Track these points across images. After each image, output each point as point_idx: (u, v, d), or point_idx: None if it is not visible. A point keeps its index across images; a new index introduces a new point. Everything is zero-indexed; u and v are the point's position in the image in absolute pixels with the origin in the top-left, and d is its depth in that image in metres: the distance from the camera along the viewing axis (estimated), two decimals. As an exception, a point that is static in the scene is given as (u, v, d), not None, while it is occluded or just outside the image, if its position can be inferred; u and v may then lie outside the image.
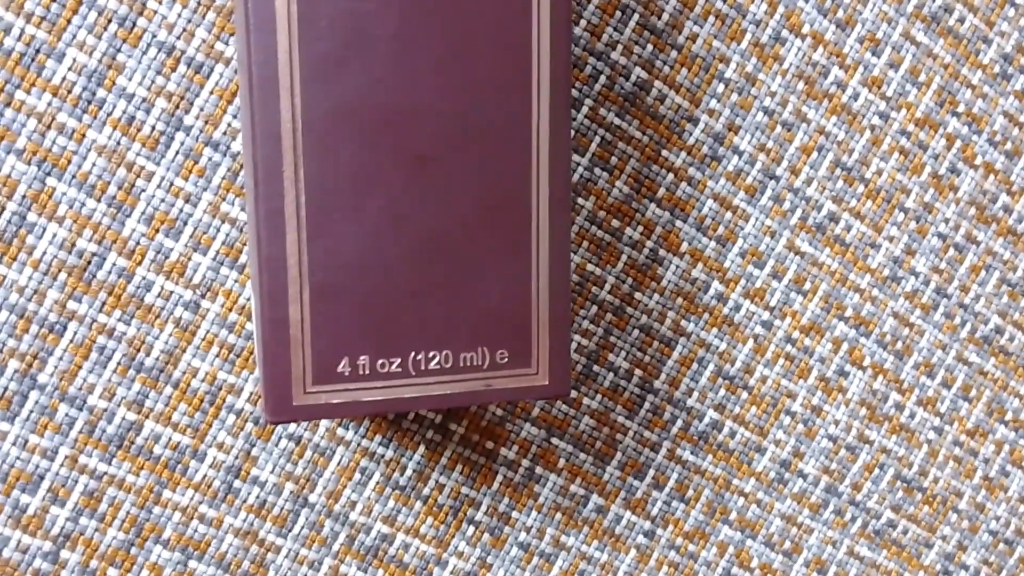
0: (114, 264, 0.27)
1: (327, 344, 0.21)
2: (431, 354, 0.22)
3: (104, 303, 0.27)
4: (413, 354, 0.22)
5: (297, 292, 0.21)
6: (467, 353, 0.22)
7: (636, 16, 0.30)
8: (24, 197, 0.26)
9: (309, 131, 0.20)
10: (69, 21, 0.26)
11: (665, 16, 0.30)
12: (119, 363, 0.27)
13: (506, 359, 0.22)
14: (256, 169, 0.20)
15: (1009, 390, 0.35)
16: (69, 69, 0.26)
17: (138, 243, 0.27)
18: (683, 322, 0.32)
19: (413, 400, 0.22)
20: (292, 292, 0.21)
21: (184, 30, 0.27)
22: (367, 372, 0.22)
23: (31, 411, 0.27)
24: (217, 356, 0.28)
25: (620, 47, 0.30)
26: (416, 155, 0.21)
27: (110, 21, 0.26)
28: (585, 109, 0.30)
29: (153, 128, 0.27)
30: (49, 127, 0.26)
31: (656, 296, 0.31)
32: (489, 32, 0.21)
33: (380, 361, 0.22)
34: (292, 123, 0.20)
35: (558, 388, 0.23)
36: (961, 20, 0.33)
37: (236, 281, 0.28)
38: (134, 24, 0.26)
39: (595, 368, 0.31)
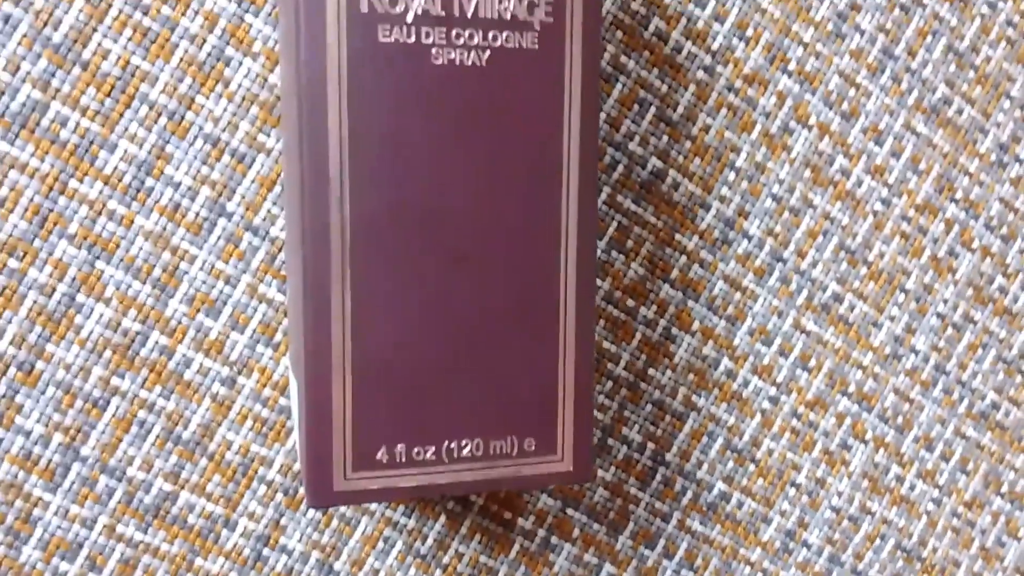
0: (156, 342, 0.28)
1: (367, 433, 0.23)
2: (463, 442, 0.23)
3: (145, 379, 0.28)
4: (447, 442, 0.23)
5: (340, 383, 0.22)
6: (497, 441, 0.24)
7: (653, 109, 0.32)
8: (74, 279, 0.27)
9: (356, 232, 0.22)
10: (121, 115, 0.27)
11: (680, 109, 0.32)
12: (158, 436, 0.28)
13: (533, 447, 0.24)
14: (305, 267, 0.22)
15: (1005, 463, 0.37)
16: (120, 159, 0.27)
17: (179, 322, 0.28)
18: (694, 397, 0.33)
19: (446, 486, 0.23)
20: (335, 383, 0.22)
21: (229, 123, 0.28)
22: (403, 460, 0.23)
23: (73, 482, 0.28)
24: (251, 430, 0.29)
25: (637, 138, 0.32)
26: (453, 253, 0.22)
27: (160, 115, 0.28)
28: (604, 196, 0.31)
29: (197, 214, 0.28)
30: (100, 213, 0.27)
31: (669, 372, 0.33)
32: (522, 139, 0.23)
33: (416, 449, 0.23)
34: (340, 225, 0.22)
35: (582, 475, 0.24)
36: (959, 112, 0.35)
37: (271, 358, 0.29)
38: (183, 117, 0.28)
39: (610, 441, 0.32)
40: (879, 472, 0.35)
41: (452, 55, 0.22)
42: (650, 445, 0.33)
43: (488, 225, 0.23)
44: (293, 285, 0.25)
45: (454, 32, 0.22)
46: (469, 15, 0.22)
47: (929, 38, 0.34)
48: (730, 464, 0.34)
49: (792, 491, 0.34)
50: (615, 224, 0.32)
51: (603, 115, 0.31)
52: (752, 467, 0.34)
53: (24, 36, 0.26)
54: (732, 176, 0.33)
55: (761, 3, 0.32)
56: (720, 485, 0.34)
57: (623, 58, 0.31)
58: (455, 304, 0.23)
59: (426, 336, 0.23)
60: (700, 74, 0.32)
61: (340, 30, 0.21)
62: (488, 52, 0.22)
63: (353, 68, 0.21)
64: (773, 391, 0.34)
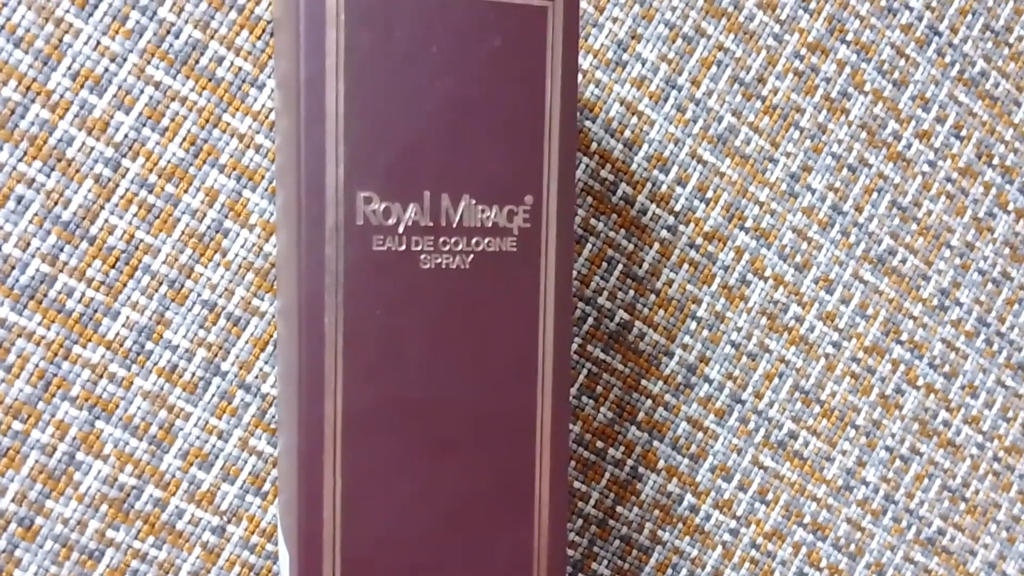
0: (151, 495, 0.30)
1: None
2: None
3: (140, 531, 0.30)
4: None
5: (330, 561, 0.24)
6: None
7: (620, 266, 0.34)
8: (75, 439, 0.29)
9: (348, 424, 0.24)
10: (125, 285, 0.29)
11: (645, 265, 0.34)
12: (150, 585, 0.30)
13: None
14: (299, 456, 0.23)
15: (951, 587, 0.39)
16: (122, 325, 0.29)
17: (173, 475, 0.30)
18: (659, 532, 0.35)
19: None
20: (326, 561, 0.24)
21: (226, 289, 0.30)
22: None
23: (67, 631, 0.29)
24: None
25: (606, 292, 0.34)
26: (440, 440, 0.24)
27: (161, 283, 0.29)
28: (575, 346, 0.34)
29: (193, 374, 0.30)
30: (101, 376, 0.29)
31: (636, 509, 0.35)
32: (503, 333, 0.25)
33: None
34: (334, 418, 0.24)
35: None
36: (904, 261, 0.37)
37: (259, 507, 0.31)
38: (182, 285, 0.30)
39: (580, 577, 0.34)
40: (833, 598, 0.37)
41: (439, 260, 0.24)
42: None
43: (471, 411, 0.25)
44: (285, 451, 0.27)
45: (441, 239, 0.24)
46: (454, 224, 0.24)
47: (875, 195, 0.37)
48: (693, 595, 0.36)
49: (752, 619, 0.36)
50: (585, 371, 0.34)
51: (575, 272, 0.34)
52: (714, 597, 0.36)
53: (35, 215, 0.28)
54: (694, 325, 0.35)
55: (720, 167, 0.35)
56: (684, 615, 0.36)
57: (593, 220, 0.34)
58: (441, 483, 0.25)
59: (414, 519, 0.24)
60: (664, 233, 0.35)
61: (338, 242, 0.23)
62: (471, 256, 0.24)
63: (349, 275, 0.23)
64: (733, 524, 0.36)
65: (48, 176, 0.28)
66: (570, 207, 0.25)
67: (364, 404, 0.24)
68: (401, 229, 0.24)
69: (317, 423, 0.23)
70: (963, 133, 0.38)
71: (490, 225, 0.25)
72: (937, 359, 0.38)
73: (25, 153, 0.28)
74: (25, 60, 0.28)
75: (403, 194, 0.24)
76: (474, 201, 0.24)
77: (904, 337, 0.38)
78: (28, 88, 0.28)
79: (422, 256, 0.24)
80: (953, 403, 0.39)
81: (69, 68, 0.28)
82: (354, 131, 0.23)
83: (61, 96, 0.28)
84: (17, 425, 0.28)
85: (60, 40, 0.28)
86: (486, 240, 0.25)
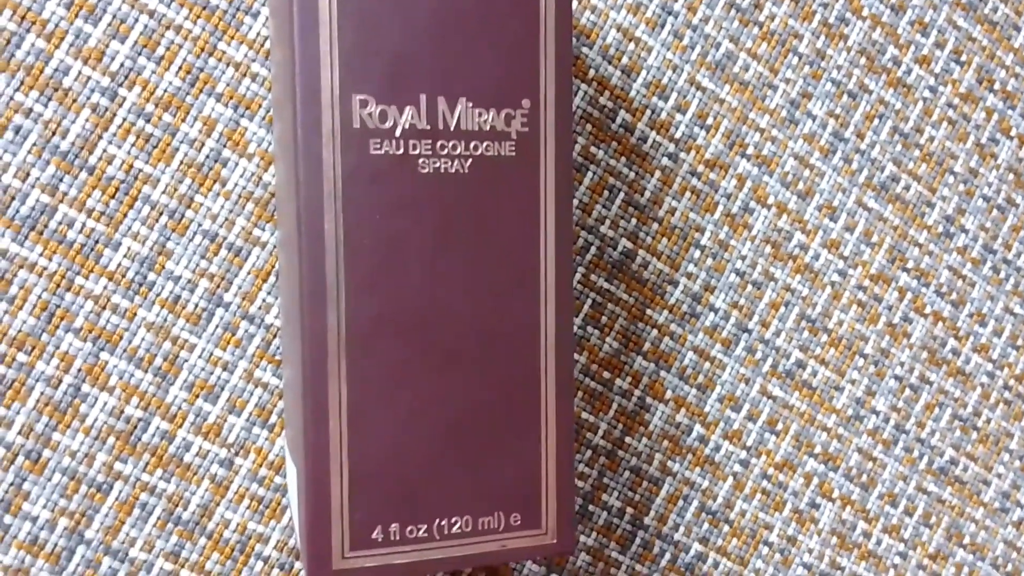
0: (157, 427, 0.30)
1: (363, 516, 0.24)
2: (453, 520, 0.25)
3: (147, 463, 0.30)
4: (437, 520, 0.25)
5: (338, 470, 0.24)
6: (485, 518, 0.25)
7: (622, 194, 0.34)
8: (79, 371, 0.29)
9: (352, 334, 0.24)
10: (125, 215, 0.29)
11: (647, 194, 0.34)
12: (159, 517, 0.30)
13: (519, 521, 0.25)
14: (304, 364, 0.23)
15: (966, 516, 0.39)
16: (124, 256, 0.29)
17: (179, 408, 0.30)
18: (669, 463, 0.35)
19: (437, 561, 0.25)
20: (333, 470, 0.24)
21: (226, 219, 0.30)
22: (397, 538, 0.24)
23: (78, 565, 0.29)
24: (248, 508, 0.31)
25: (608, 221, 0.34)
26: (443, 351, 0.24)
27: (161, 214, 0.29)
28: (579, 275, 0.34)
29: (196, 305, 0.30)
30: (104, 308, 0.29)
31: (644, 440, 0.35)
32: (504, 240, 0.25)
33: (409, 528, 0.25)
34: (337, 328, 0.23)
35: (565, 546, 0.26)
36: (907, 188, 0.37)
37: (267, 439, 0.31)
38: (182, 216, 0.30)
39: (591, 508, 0.34)
40: (847, 529, 0.37)
41: (437, 164, 0.24)
42: (629, 510, 0.35)
43: (474, 323, 0.25)
44: (291, 377, 0.27)
45: (439, 143, 0.24)
46: (452, 127, 0.24)
47: (876, 121, 0.37)
48: (705, 526, 0.35)
49: (765, 550, 0.36)
50: (590, 301, 0.34)
51: (576, 201, 0.33)
52: (726, 528, 0.36)
53: (34, 145, 0.28)
54: (697, 254, 0.35)
55: (719, 94, 0.35)
56: (696, 546, 0.35)
57: (593, 148, 0.34)
58: (445, 395, 0.24)
59: (419, 428, 0.24)
60: (665, 161, 0.34)
61: (335, 146, 0.23)
62: (470, 160, 0.24)
63: (347, 180, 0.23)
64: (743, 455, 0.36)
65: (45, 106, 0.28)
66: (567, 114, 0.25)
67: (367, 313, 0.24)
68: (398, 132, 0.24)
69: (321, 334, 0.23)
70: (963, 58, 0.38)
71: (488, 129, 0.24)
72: (944, 287, 0.38)
73: (22, 83, 0.28)
74: (19, -10, 0.28)
75: (399, 98, 0.24)
76: (471, 104, 0.24)
77: (910, 265, 0.37)
78: (23, 18, 0.28)
79: (420, 160, 0.24)
80: (961, 331, 0.38)
81: (63, -2, 0.28)
82: (348, 36, 0.23)
83: (56, 25, 0.28)
84: (22, 357, 0.28)
85: (54, -30, 0.28)
86: (484, 144, 0.24)
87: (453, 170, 0.24)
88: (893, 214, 0.37)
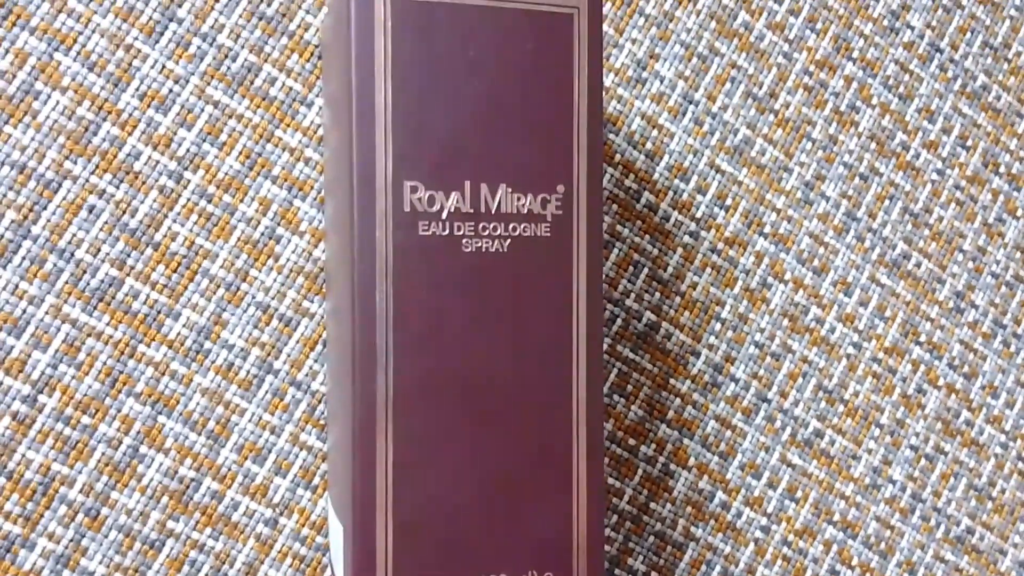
0: (208, 488, 0.31)
1: (406, 568, 0.26)
2: (490, 575, 0.26)
3: (198, 522, 0.31)
4: (475, 574, 0.26)
5: (383, 525, 0.25)
6: (521, 575, 0.27)
7: (646, 270, 0.36)
8: (139, 432, 0.31)
9: (398, 396, 0.25)
10: (186, 288, 0.31)
11: (670, 269, 0.36)
12: (206, 575, 0.31)
13: None
14: (354, 425, 0.25)
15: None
16: (183, 326, 0.31)
17: (229, 469, 0.32)
18: (692, 528, 0.36)
19: None
20: (379, 525, 0.25)
21: (278, 292, 0.32)
22: None
23: (129, 619, 0.31)
24: (290, 567, 0.32)
25: (633, 295, 0.36)
26: (482, 414, 0.26)
27: (218, 287, 0.32)
28: (605, 346, 0.35)
29: (248, 372, 0.32)
30: (163, 373, 0.31)
31: (669, 506, 0.36)
32: (539, 312, 0.27)
33: None
34: (385, 390, 0.25)
35: None
36: (918, 265, 0.39)
37: (310, 500, 0.32)
38: (238, 288, 0.32)
39: (616, 571, 0.35)
40: (866, 596, 0.38)
41: (479, 244, 0.26)
42: (654, 575, 0.36)
43: (511, 389, 0.26)
44: (338, 438, 0.28)
45: (480, 224, 0.26)
46: (493, 211, 0.26)
47: (887, 202, 0.39)
48: (728, 591, 0.37)
49: (786, 616, 0.37)
50: (616, 371, 0.36)
51: (603, 276, 0.35)
52: (748, 593, 0.37)
53: (105, 223, 0.31)
54: (718, 326, 0.37)
55: (737, 176, 0.37)
56: (719, 611, 0.36)
57: (619, 227, 0.36)
58: (483, 455, 0.26)
59: (458, 483, 0.26)
60: (687, 238, 0.36)
61: (387, 227, 0.25)
62: (509, 240, 0.26)
63: (397, 258, 0.25)
64: (764, 521, 0.37)
65: (117, 188, 0.31)
66: (598, 197, 0.27)
67: (413, 377, 0.25)
68: (444, 215, 0.26)
69: (370, 395, 0.25)
70: (968, 143, 0.40)
71: (525, 212, 0.27)
72: (956, 360, 0.40)
73: (96, 167, 0.31)
74: (98, 82, 0.31)
75: (446, 184, 0.26)
76: (510, 190, 0.27)
77: (923, 338, 0.39)
78: (100, 108, 0.31)
79: (463, 240, 0.26)
80: (974, 403, 0.40)
81: (137, 89, 0.31)
82: (400, 128, 0.25)
83: (130, 115, 0.31)
84: (86, 419, 0.30)
85: (129, 64, 0.31)
86: (522, 226, 0.27)
87: (493, 249, 0.26)
88: (905, 290, 0.39)
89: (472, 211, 0.26)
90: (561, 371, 0.27)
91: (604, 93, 0.36)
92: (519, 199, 0.27)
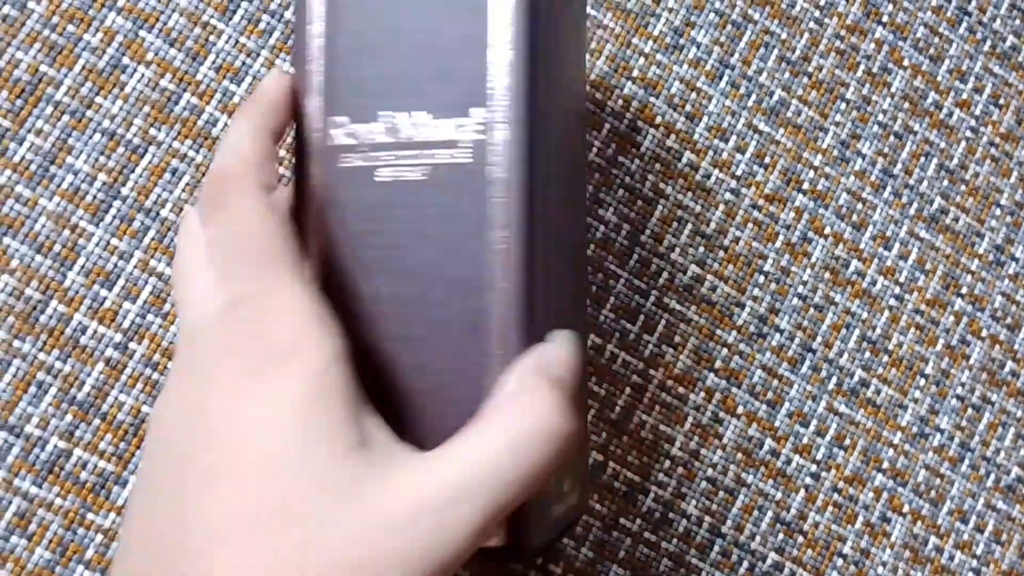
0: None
1: None
2: None
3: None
4: None
5: None
6: None
7: (689, 225, 0.38)
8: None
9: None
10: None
11: (712, 224, 0.38)
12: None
13: None
14: None
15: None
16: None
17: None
18: (743, 474, 0.37)
19: None
20: None
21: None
22: None
23: None
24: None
25: (677, 249, 0.38)
26: (397, 335, 0.26)
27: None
28: (653, 298, 0.37)
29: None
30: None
31: (719, 452, 0.37)
32: (455, 240, 0.26)
33: None
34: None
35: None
36: (956, 220, 0.40)
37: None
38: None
39: (670, 515, 0.37)
40: (919, 543, 0.39)
41: (397, 173, 0.26)
42: (707, 519, 0.37)
43: (425, 314, 0.26)
44: None
45: (398, 153, 0.26)
46: (410, 139, 0.26)
47: (922, 159, 0.40)
48: (780, 536, 0.37)
49: (840, 561, 0.38)
50: (663, 321, 0.37)
51: (648, 231, 0.37)
52: (801, 539, 0.38)
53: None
54: (762, 279, 0.38)
55: (775, 136, 0.39)
56: (773, 555, 0.37)
57: (662, 185, 0.38)
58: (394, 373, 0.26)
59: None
60: (728, 195, 0.38)
61: (315, 162, 0.26)
62: (428, 168, 0.26)
63: (320, 191, 0.26)
64: (814, 468, 0.38)
65: (197, 152, 0.34)
66: (525, 120, 0.26)
67: (336, 303, 0.25)
68: (363, 146, 0.26)
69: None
70: (1001, 102, 0.41)
71: (443, 139, 0.26)
72: (999, 311, 0.40)
73: (178, 133, 0.33)
74: (178, 56, 0.34)
75: (365, 115, 0.27)
76: (431, 116, 0.26)
77: (964, 291, 0.40)
78: (180, 80, 0.34)
79: (381, 169, 0.26)
80: (1019, 353, 0.41)
81: (214, 63, 0.34)
82: (329, 65, 0.27)
83: (207, 86, 0.34)
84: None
85: (206, 40, 0.34)
86: (441, 152, 0.26)
87: (411, 177, 0.26)
88: (944, 243, 0.40)
89: (391, 140, 0.26)
90: (475, 299, 0.26)
91: (644, 60, 0.38)
92: (436, 126, 0.26)
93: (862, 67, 0.40)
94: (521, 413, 0.22)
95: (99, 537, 0.32)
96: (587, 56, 0.38)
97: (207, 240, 0.24)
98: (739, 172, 0.39)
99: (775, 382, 0.38)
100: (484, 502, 0.21)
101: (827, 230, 0.39)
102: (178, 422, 0.22)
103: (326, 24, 0.27)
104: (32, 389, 0.32)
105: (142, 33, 0.34)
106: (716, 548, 0.37)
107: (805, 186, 0.39)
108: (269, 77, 0.27)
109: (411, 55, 0.27)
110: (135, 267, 0.33)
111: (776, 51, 0.39)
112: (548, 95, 0.27)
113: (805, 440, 0.38)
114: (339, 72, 0.27)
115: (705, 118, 0.38)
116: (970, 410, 0.40)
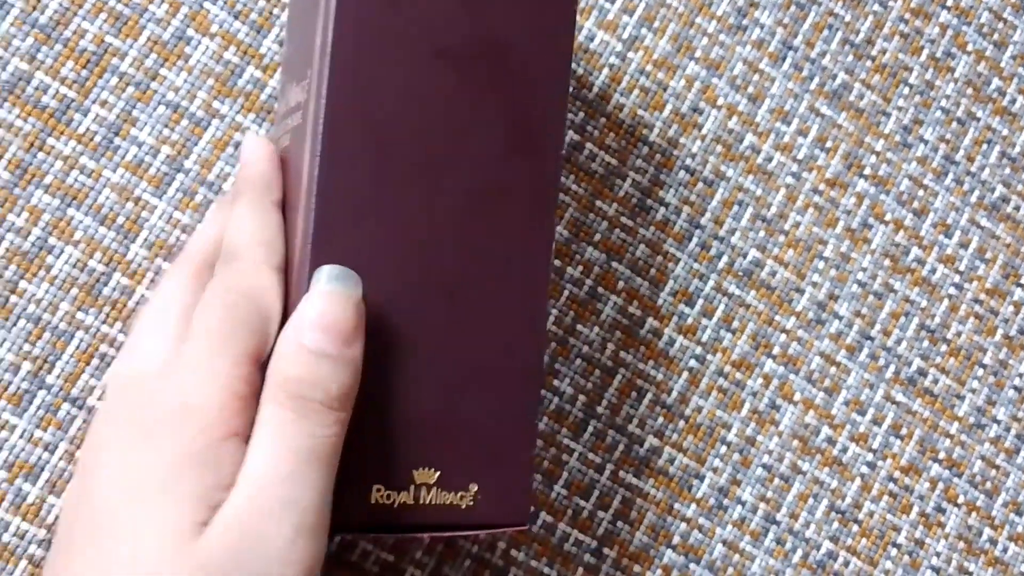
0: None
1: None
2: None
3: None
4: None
5: None
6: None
7: (750, 209, 0.37)
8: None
9: None
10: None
11: (773, 208, 0.37)
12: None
13: None
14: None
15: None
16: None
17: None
18: (799, 462, 0.37)
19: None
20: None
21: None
22: None
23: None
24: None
25: (737, 232, 0.37)
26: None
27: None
28: (711, 282, 0.37)
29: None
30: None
31: (775, 439, 0.37)
32: (294, 201, 0.27)
33: None
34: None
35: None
36: (1017, 208, 0.40)
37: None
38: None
39: (725, 501, 0.36)
40: (973, 535, 0.38)
41: (286, 137, 0.29)
42: (762, 506, 0.37)
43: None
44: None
45: (288, 118, 0.29)
46: (291, 104, 0.29)
47: (985, 146, 0.40)
48: (835, 525, 0.37)
49: (894, 551, 0.37)
50: (722, 305, 0.37)
51: (708, 214, 0.37)
52: (855, 528, 0.37)
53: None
54: (821, 264, 0.38)
55: (837, 120, 0.38)
56: (827, 544, 0.37)
57: (722, 167, 0.37)
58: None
59: None
60: (789, 179, 0.38)
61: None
62: (291, 132, 0.28)
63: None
64: (870, 457, 0.38)
65: (260, 126, 0.33)
66: (344, 82, 0.26)
67: None
68: (282, 112, 0.29)
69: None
70: (1065, 89, 0.41)
71: (294, 103, 0.28)
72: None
73: (241, 107, 0.33)
74: (242, 29, 0.33)
75: (285, 91, 0.29)
76: (294, 83, 0.28)
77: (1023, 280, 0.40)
78: (244, 53, 0.33)
79: (282, 136, 0.29)
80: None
81: (277, 36, 0.34)
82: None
83: (271, 59, 0.33)
84: None
85: (271, 12, 0.33)
86: (296, 115, 0.27)
87: (285, 143, 0.28)
88: (1005, 232, 0.40)
89: (291, 106, 0.28)
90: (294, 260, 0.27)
91: (707, 39, 0.37)
92: (296, 93, 0.28)
93: (926, 51, 0.39)
94: (270, 446, 0.23)
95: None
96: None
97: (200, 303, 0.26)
98: (800, 156, 0.38)
99: (833, 369, 0.38)
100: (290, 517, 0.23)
101: (888, 216, 0.39)
102: (81, 474, 0.26)
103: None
104: (95, 361, 0.32)
105: (207, 5, 0.33)
106: (770, 535, 0.37)
107: (867, 171, 0.39)
108: (251, 150, 0.28)
109: (306, 32, 0.27)
110: (196, 241, 0.33)
111: (840, 33, 0.39)
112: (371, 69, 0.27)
113: (861, 428, 0.38)
114: (285, 51, 0.31)
115: (767, 100, 0.38)
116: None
